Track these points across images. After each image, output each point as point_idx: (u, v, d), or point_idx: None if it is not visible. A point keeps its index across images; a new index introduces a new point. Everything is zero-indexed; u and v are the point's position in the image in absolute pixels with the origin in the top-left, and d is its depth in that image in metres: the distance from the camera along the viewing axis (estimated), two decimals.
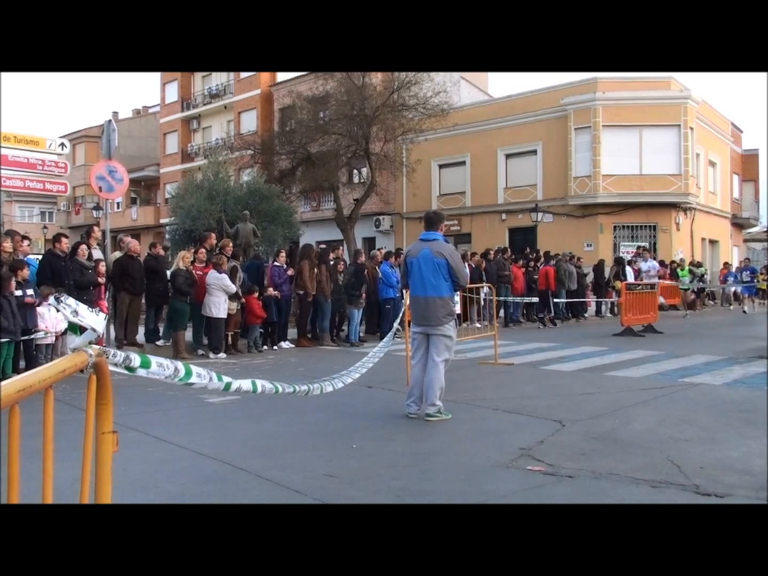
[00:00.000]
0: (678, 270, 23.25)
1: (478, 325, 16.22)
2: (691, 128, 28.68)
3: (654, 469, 4.99)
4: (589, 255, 25.94)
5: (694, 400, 7.75)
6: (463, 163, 33.05)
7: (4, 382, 1.77)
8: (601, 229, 28.69)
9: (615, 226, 28.93)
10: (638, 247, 26.02)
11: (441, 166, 33.87)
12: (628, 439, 5.91)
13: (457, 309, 11.31)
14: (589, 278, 22.09)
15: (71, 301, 2.20)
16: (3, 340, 9.00)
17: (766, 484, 4.51)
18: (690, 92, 28.71)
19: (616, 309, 20.57)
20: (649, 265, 18.70)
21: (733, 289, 26.83)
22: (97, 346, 2.26)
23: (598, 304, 22.20)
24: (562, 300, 19.98)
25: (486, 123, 31.67)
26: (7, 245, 9.89)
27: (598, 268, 22.15)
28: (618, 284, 21.12)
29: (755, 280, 24.64)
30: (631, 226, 29.05)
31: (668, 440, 5.86)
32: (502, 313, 18.66)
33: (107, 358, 2.32)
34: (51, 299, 2.22)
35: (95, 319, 2.23)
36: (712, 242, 34.28)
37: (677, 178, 28.30)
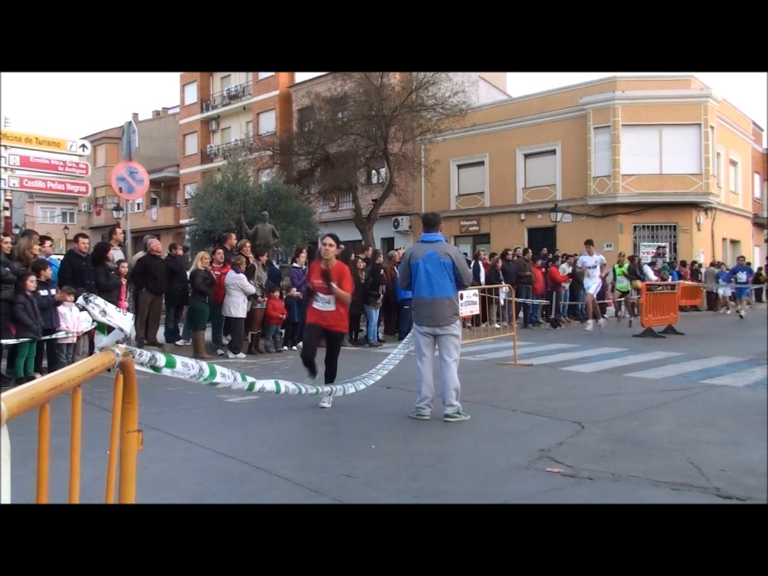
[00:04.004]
0: (617, 267, 19.77)
1: (497, 325, 16.18)
2: (712, 127, 28.46)
3: (674, 471, 4.96)
4: (609, 255, 25.78)
5: (715, 402, 7.69)
6: (481, 163, 32.98)
7: (34, 381, 1.80)
8: (621, 230, 28.52)
9: (635, 227, 28.76)
10: (658, 248, 25.82)
11: (459, 166, 33.81)
12: (649, 441, 5.88)
13: (476, 309, 11.28)
14: (609, 278, 21.95)
15: (100, 300, 2.23)
16: (25, 339, 9.10)
17: None
18: (710, 91, 28.49)
19: (636, 310, 20.40)
20: (595, 259, 17.00)
21: (725, 291, 24.66)
22: (124, 346, 2.29)
23: (618, 305, 22.04)
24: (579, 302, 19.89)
25: (504, 123, 31.58)
26: (36, 248, 10.01)
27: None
28: (638, 284, 21.00)
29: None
30: (652, 227, 28.86)
31: (689, 442, 5.83)
32: (521, 314, 18.61)
33: (134, 357, 2.34)
34: (80, 299, 2.25)
35: (123, 319, 2.26)
36: (734, 242, 34.02)
37: (698, 178, 28.09)
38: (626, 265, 19.17)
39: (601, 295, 20.88)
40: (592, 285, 16.92)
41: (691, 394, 8.15)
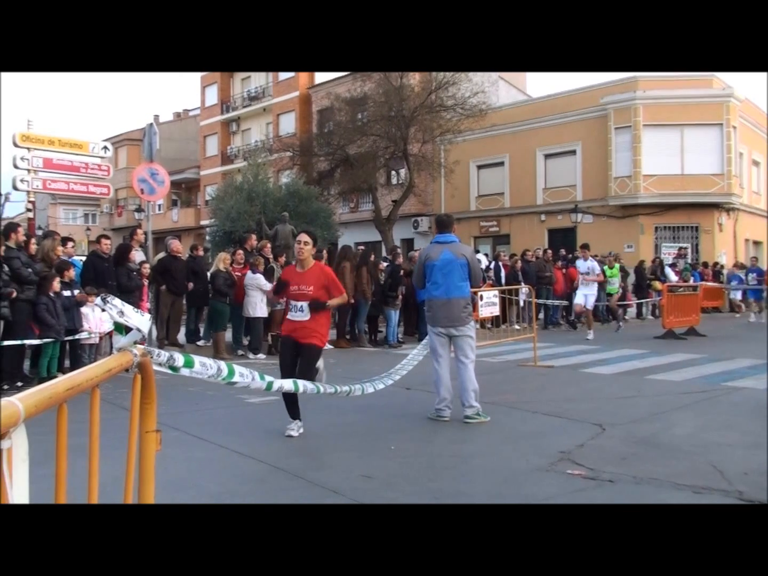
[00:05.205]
0: (607, 268, 17.94)
1: (517, 327, 16.12)
2: (734, 127, 28.20)
3: (696, 474, 4.92)
4: (630, 256, 25.63)
5: (737, 404, 7.62)
6: (501, 163, 32.88)
7: (52, 381, 1.81)
8: (642, 230, 28.34)
9: (656, 227, 28.55)
10: (680, 248, 25.61)
11: (479, 167, 33.73)
12: (670, 444, 5.84)
13: (496, 311, 11.24)
14: (630, 280, 21.80)
15: (117, 301, 2.25)
16: (48, 340, 9.19)
17: None
18: (732, 90, 28.24)
19: (657, 311, 20.22)
20: (588, 265, 15.89)
21: (735, 294, 23.55)
22: (142, 346, 2.30)
23: (639, 306, 21.90)
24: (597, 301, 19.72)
25: (524, 123, 31.47)
26: (59, 250, 10.12)
27: (639, 269, 21.89)
28: (657, 285, 20.82)
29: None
30: (673, 227, 28.64)
31: (711, 445, 5.77)
32: (541, 315, 18.53)
33: (152, 357, 2.35)
34: (98, 300, 2.27)
35: (140, 320, 2.27)
36: (756, 243, 33.63)
37: (720, 178, 27.84)
38: (617, 266, 18.58)
39: (622, 296, 20.68)
40: (588, 294, 15.92)
41: (712, 396, 8.08)
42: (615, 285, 18.01)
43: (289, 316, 6.61)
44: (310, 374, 6.38)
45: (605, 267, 17.62)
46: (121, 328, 2.30)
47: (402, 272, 14.87)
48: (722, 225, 28.91)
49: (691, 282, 19.84)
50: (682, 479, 4.77)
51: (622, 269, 19.88)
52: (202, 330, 13.39)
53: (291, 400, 6.32)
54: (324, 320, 6.65)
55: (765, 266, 28.59)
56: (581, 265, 16.22)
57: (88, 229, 48.17)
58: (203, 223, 39.94)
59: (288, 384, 4.60)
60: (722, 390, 8.46)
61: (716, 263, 26.41)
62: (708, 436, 6.11)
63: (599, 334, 16.19)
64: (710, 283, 22.62)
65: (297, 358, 6.51)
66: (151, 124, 13.48)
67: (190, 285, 12.52)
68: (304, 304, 6.41)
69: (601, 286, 18.65)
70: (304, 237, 6.62)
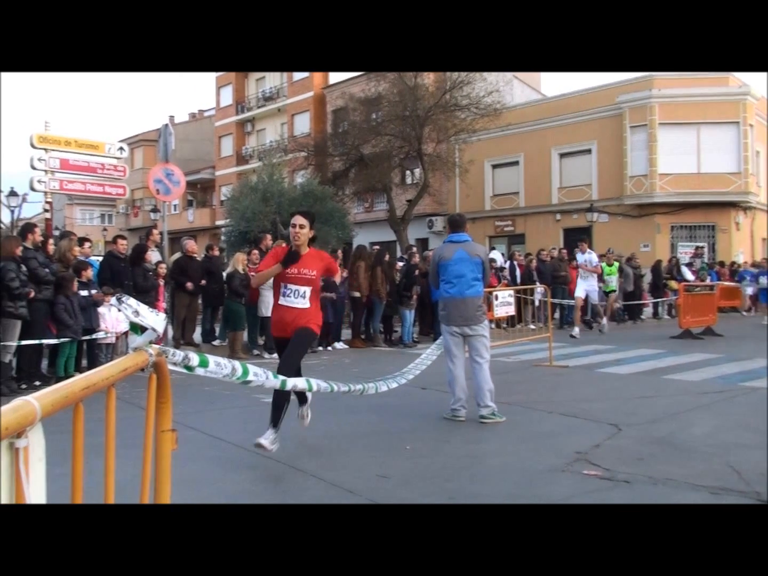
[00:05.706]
0: (605, 266, 17.40)
1: (532, 326, 16.07)
2: (751, 125, 28.00)
3: (713, 475, 4.88)
4: (646, 256, 25.48)
5: (755, 404, 7.55)
6: (516, 162, 32.81)
7: (68, 380, 1.82)
8: (658, 230, 28.18)
9: (672, 227, 28.39)
10: (696, 248, 25.43)
11: (494, 166, 33.67)
12: (687, 444, 5.80)
13: (512, 310, 11.21)
14: (647, 279, 21.68)
15: (132, 301, 2.26)
16: (65, 339, 9.25)
17: None
18: (749, 88, 28.04)
19: (673, 311, 20.07)
20: (585, 258, 15.91)
21: (749, 291, 22.79)
22: (157, 346, 2.31)
23: (655, 306, 21.78)
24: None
25: (539, 122, 31.39)
26: (76, 250, 10.20)
27: (656, 268, 21.76)
28: (673, 284, 20.68)
29: None
30: (689, 227, 28.47)
31: (728, 446, 5.73)
32: (557, 314, 18.45)
33: (167, 357, 2.36)
34: (113, 300, 2.29)
35: (155, 319, 2.28)
36: None
37: (737, 177, 27.64)
38: (615, 264, 18.36)
39: (638, 295, 20.56)
40: (589, 288, 15.98)
41: (730, 396, 8.02)
42: (612, 283, 17.76)
43: (283, 302, 5.88)
44: (299, 354, 5.89)
45: (604, 264, 17.49)
46: (137, 328, 2.31)
47: (417, 272, 14.84)
48: (739, 224, 28.70)
49: (708, 281, 19.64)
50: (699, 480, 4.74)
51: (621, 269, 19.47)
52: (217, 330, 13.45)
53: (278, 404, 5.69)
54: (318, 308, 6.13)
55: None
56: (579, 257, 16.34)
57: (105, 229, 48.45)
58: (218, 223, 40.04)
59: (301, 382, 4.56)
60: (740, 390, 8.40)
61: (733, 263, 26.20)
62: (725, 436, 6.06)
63: (615, 334, 16.11)
64: (727, 283, 22.44)
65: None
66: (167, 125, 13.56)
67: (203, 282, 12.56)
68: (307, 290, 5.86)
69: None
70: (299, 220, 5.88)
